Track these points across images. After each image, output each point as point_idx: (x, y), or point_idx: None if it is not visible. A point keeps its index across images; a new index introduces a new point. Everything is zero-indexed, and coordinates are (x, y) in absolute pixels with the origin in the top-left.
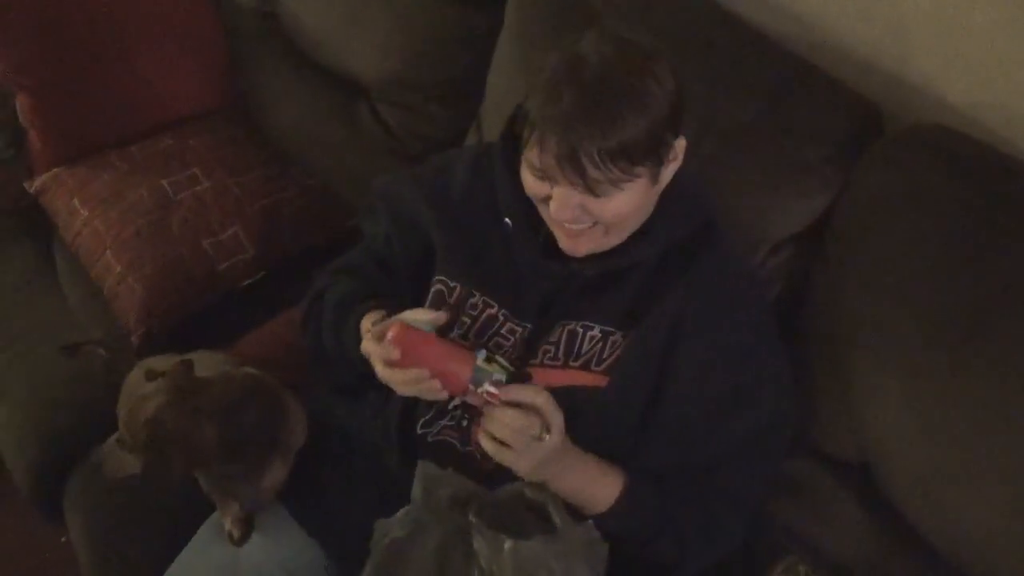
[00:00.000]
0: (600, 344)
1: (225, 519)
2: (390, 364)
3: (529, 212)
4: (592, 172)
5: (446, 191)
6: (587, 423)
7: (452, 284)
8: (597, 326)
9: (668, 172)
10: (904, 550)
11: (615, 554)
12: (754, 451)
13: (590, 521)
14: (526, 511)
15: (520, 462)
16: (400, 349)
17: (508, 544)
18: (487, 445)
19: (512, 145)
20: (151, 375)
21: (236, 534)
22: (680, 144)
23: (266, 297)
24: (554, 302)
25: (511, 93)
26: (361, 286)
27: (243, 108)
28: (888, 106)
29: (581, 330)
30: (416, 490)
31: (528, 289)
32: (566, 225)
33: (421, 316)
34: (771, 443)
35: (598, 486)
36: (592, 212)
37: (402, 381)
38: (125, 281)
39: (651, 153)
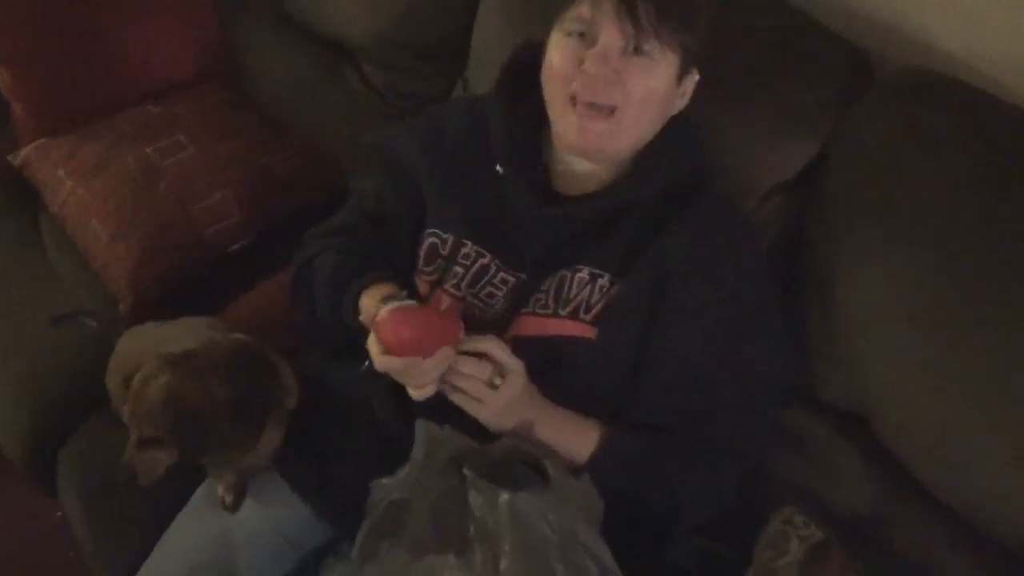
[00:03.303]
0: (588, 287)
1: (218, 485)
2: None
3: (525, 158)
4: (644, 19)
5: (439, 142)
6: (575, 375)
7: (445, 235)
8: (585, 268)
9: (681, 99)
10: (905, 500)
11: (610, 508)
12: (748, 401)
13: (586, 475)
14: (521, 465)
15: (482, 411)
16: (390, 343)
17: (504, 497)
18: (453, 397)
19: (509, 93)
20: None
21: (229, 500)
22: (694, 78)
23: (257, 261)
24: (548, 251)
25: (497, 49)
26: (352, 255)
27: (231, 73)
28: (886, 56)
29: (570, 274)
30: (418, 450)
31: (521, 238)
32: (589, 101)
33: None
34: (765, 393)
35: (571, 437)
36: (625, 81)
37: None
38: (112, 249)
39: (693, 33)
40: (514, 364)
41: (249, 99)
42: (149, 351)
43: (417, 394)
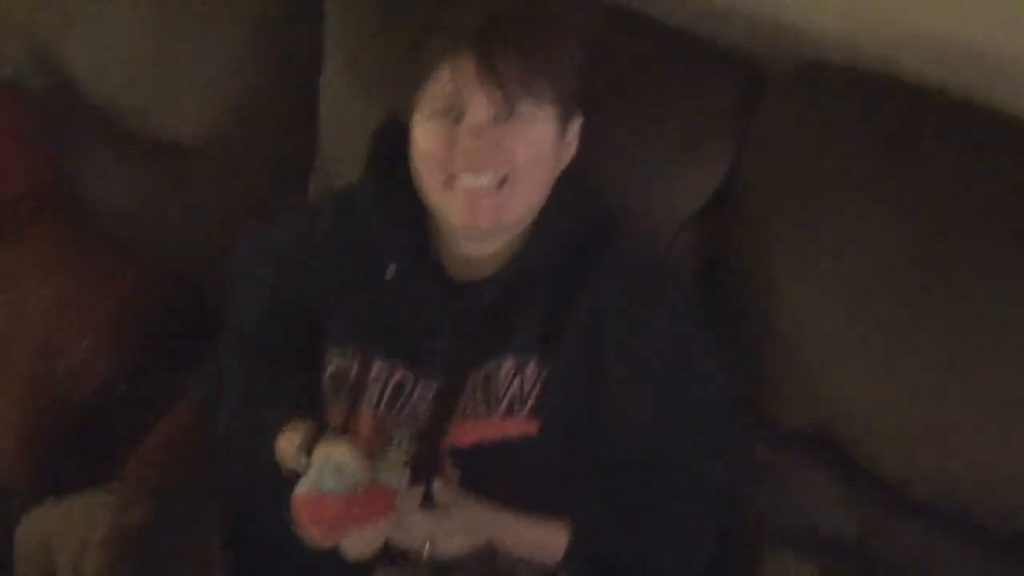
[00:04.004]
0: (518, 378)
1: None
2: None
3: (414, 252)
4: (511, 79)
5: (316, 248)
6: (523, 474)
7: (349, 357)
8: (510, 357)
9: (568, 150)
10: (894, 513)
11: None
12: (706, 438)
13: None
14: None
15: (440, 548)
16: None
17: None
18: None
19: (381, 182)
20: None
21: None
22: (578, 124)
23: (143, 402)
24: (462, 348)
25: (350, 131)
26: (255, 385)
27: (68, 199)
28: (769, 54)
29: (495, 366)
30: None
31: (430, 340)
32: (472, 181)
33: (339, 454)
34: (719, 422)
35: (538, 540)
36: (506, 149)
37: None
38: None
39: (566, 81)
40: (452, 499)
41: (91, 223)
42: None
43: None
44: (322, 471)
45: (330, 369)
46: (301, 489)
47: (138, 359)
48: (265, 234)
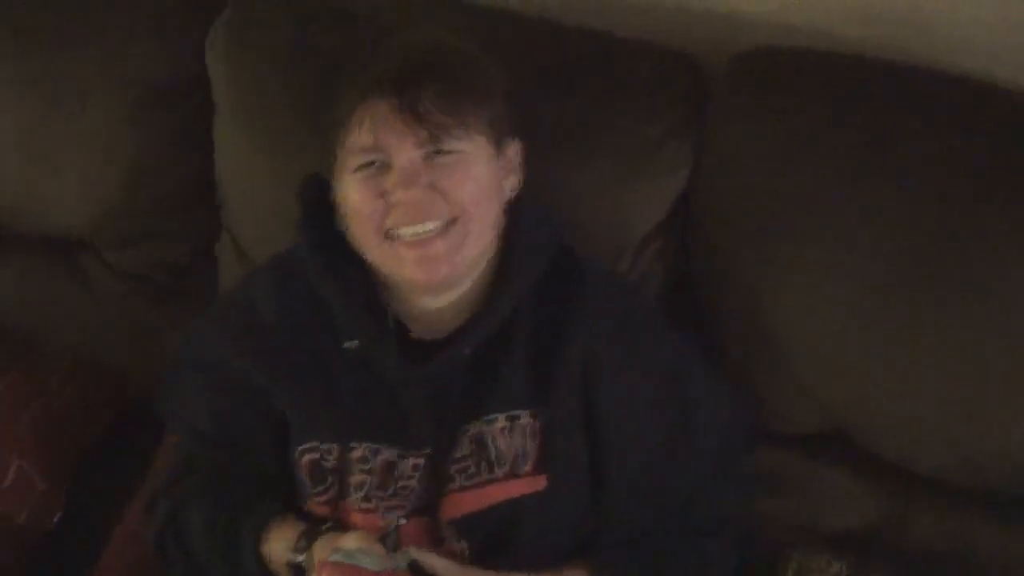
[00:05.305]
0: (513, 434)
1: None
2: None
3: (370, 319)
4: (436, 114)
5: (261, 333)
6: (533, 533)
7: (325, 445)
8: (499, 415)
9: (511, 176)
10: (909, 497)
11: None
12: (715, 468)
13: None
14: None
15: None
16: None
17: None
18: None
19: (322, 248)
20: None
21: None
22: (517, 148)
23: (80, 532)
24: (444, 412)
25: (260, 190)
26: (220, 496)
27: None
28: (712, 46)
29: (485, 428)
30: None
31: (408, 410)
32: (413, 232)
33: (351, 544)
34: (729, 446)
35: None
36: (441, 188)
37: None
38: None
39: (492, 107)
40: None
41: None
42: None
43: None
44: (356, 553)
45: (304, 462)
46: (336, 557)
47: (71, 479)
48: (198, 330)
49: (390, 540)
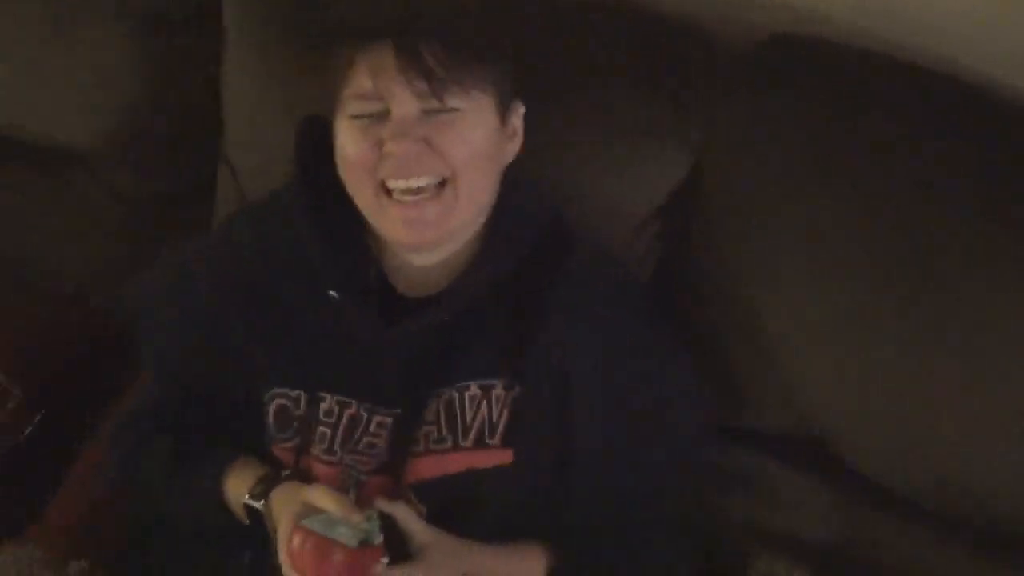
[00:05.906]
0: (484, 403)
1: None
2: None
3: (355, 271)
4: (437, 68)
5: (241, 276)
6: (495, 506)
7: (294, 392)
8: (472, 383)
9: (512, 141)
10: (881, 513)
11: None
12: (682, 464)
13: None
14: None
15: None
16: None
17: None
18: None
19: (310, 193)
20: None
21: None
22: (520, 112)
23: (51, 446)
24: (417, 373)
25: (264, 125)
26: (185, 433)
27: None
28: (725, 26)
29: (456, 394)
30: None
31: (382, 368)
32: (405, 187)
33: (318, 501)
34: (695, 446)
35: (517, 569)
36: (440, 148)
37: None
38: None
39: (496, 67)
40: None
41: None
42: None
43: None
44: (334, 523)
45: (273, 407)
46: (313, 526)
47: (47, 392)
48: (176, 261)
49: (350, 497)
